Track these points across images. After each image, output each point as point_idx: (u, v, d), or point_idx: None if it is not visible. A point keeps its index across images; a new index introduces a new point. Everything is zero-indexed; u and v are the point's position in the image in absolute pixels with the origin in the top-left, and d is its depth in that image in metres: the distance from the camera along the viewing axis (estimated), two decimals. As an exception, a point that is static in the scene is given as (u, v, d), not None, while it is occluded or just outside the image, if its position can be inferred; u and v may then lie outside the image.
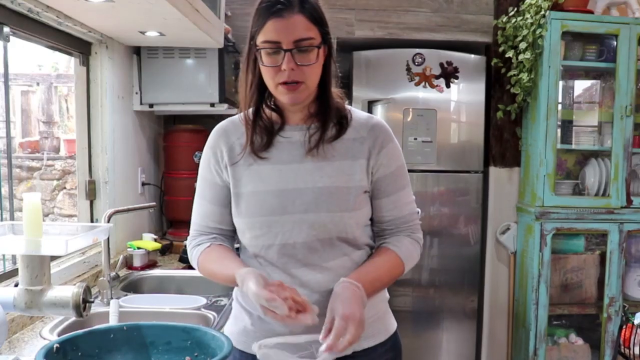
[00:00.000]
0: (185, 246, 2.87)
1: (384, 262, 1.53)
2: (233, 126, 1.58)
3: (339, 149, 1.52)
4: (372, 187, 1.55)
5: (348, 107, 1.58)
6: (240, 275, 1.39)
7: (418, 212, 1.64)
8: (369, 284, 1.45)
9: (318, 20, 1.44)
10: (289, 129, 1.54)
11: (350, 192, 1.50)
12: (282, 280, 1.45)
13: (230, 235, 1.62)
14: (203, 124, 3.53)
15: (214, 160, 1.56)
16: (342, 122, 1.54)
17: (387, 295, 1.68)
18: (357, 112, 1.59)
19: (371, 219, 1.60)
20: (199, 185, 1.61)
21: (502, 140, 3.82)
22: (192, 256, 1.60)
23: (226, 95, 3.20)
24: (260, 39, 1.42)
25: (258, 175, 1.51)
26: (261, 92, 1.51)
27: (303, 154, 1.50)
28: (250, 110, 1.52)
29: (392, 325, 1.67)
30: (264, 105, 1.53)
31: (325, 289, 1.48)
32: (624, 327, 3.47)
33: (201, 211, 1.60)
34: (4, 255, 2.16)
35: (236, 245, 1.66)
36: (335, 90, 1.55)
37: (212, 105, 3.17)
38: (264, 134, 1.52)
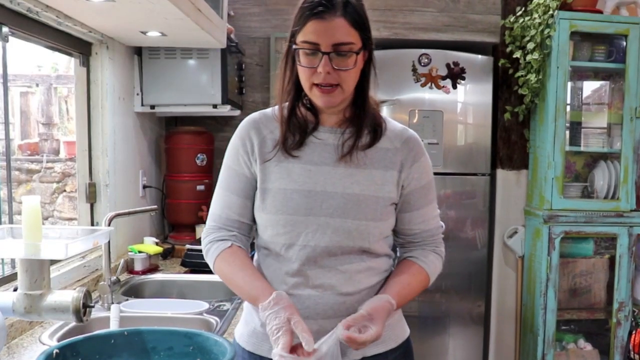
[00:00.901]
0: (187, 250, 2.96)
1: (414, 278, 1.56)
2: (265, 119, 1.57)
3: (371, 158, 1.52)
4: (402, 200, 1.56)
5: (383, 116, 1.58)
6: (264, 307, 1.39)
7: (442, 227, 1.65)
8: (399, 302, 1.50)
9: (360, 25, 1.43)
10: (322, 131, 1.53)
11: (378, 202, 1.50)
12: (295, 281, 1.49)
13: (249, 232, 1.61)
14: (205, 125, 3.53)
15: (243, 151, 1.55)
16: (377, 130, 1.53)
17: None
18: (391, 122, 1.59)
19: (394, 230, 1.61)
20: (223, 175, 1.60)
21: (510, 142, 3.80)
22: (210, 251, 1.56)
23: (229, 97, 3.18)
24: (299, 39, 1.42)
25: (287, 172, 1.50)
26: (298, 90, 1.51)
27: (335, 158, 1.50)
28: (285, 106, 1.52)
29: (404, 332, 1.66)
30: (299, 103, 1.53)
31: (338, 291, 1.49)
32: (634, 332, 3.46)
33: (223, 202, 1.58)
34: (2, 259, 2.15)
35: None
36: (373, 97, 1.54)
37: (215, 106, 3.16)
38: (297, 132, 1.52)
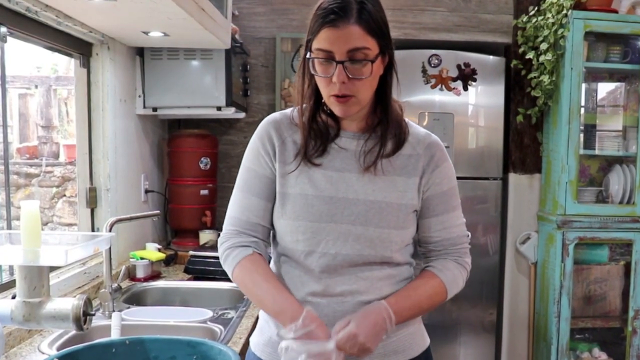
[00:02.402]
0: (190, 256, 2.90)
1: (426, 288, 1.53)
2: (286, 120, 1.56)
3: (394, 164, 1.50)
4: (421, 206, 1.55)
5: (406, 119, 1.56)
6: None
7: (468, 236, 1.62)
8: (407, 311, 1.48)
9: (376, 31, 1.40)
10: (344, 137, 1.52)
11: (400, 209, 1.49)
12: (314, 289, 1.48)
13: (268, 237, 1.59)
14: (209, 128, 3.52)
15: (264, 151, 1.54)
16: (400, 137, 1.52)
17: None
18: (414, 127, 1.58)
19: (418, 239, 1.60)
20: (242, 177, 1.58)
21: (522, 145, 3.79)
22: (229, 258, 1.54)
23: (233, 99, 3.16)
24: (314, 46, 1.41)
25: (308, 178, 1.49)
26: (317, 96, 1.49)
27: (357, 165, 1.49)
28: (305, 110, 1.52)
29: (425, 341, 1.64)
30: (320, 109, 1.52)
31: (359, 298, 1.48)
32: (650, 341, 3.42)
33: (242, 204, 1.55)
34: (1, 266, 2.14)
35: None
36: (397, 102, 1.53)
37: (219, 109, 3.14)
38: (318, 138, 1.51)
